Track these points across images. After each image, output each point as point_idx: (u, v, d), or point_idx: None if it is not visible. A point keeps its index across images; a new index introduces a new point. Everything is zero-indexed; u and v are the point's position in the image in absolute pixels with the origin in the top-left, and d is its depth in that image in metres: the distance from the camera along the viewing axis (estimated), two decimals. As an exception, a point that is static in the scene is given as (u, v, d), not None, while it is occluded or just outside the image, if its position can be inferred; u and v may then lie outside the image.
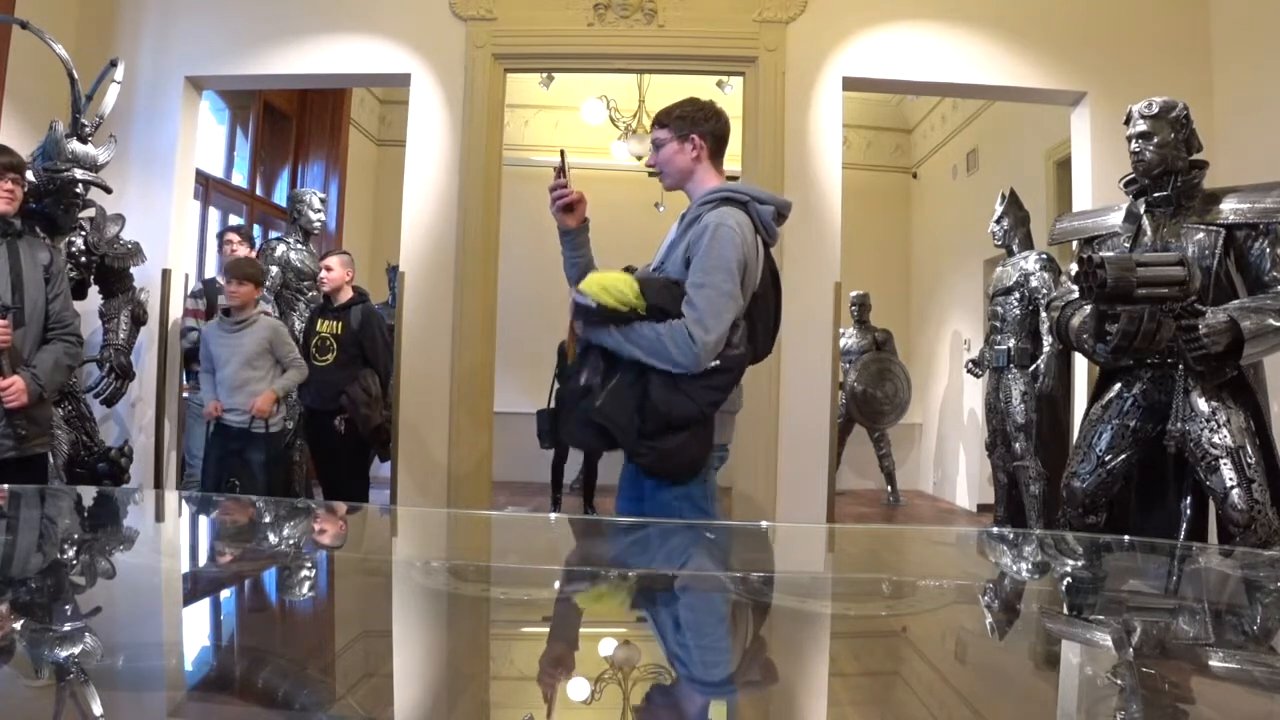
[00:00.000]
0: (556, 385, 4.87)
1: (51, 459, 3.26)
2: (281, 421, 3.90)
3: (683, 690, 0.71)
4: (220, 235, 4.63)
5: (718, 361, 1.96)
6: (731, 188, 2.16)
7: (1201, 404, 2.57)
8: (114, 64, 3.46)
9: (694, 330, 1.92)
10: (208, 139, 5.56)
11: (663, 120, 2.19)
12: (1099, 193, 3.94)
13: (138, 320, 3.87)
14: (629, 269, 2.12)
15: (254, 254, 4.54)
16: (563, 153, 2.23)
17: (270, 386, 3.75)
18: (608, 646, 0.78)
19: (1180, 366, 2.60)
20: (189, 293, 4.35)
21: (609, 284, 1.98)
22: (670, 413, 1.94)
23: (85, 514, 1.34)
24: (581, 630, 0.82)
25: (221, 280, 4.35)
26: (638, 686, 0.69)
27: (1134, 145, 2.70)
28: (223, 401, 3.74)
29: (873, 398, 6.95)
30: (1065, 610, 0.95)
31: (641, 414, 1.96)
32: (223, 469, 3.76)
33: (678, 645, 0.81)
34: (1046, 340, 4.37)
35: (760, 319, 2.14)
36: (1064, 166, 4.91)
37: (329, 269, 4.27)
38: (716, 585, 0.98)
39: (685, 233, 2.06)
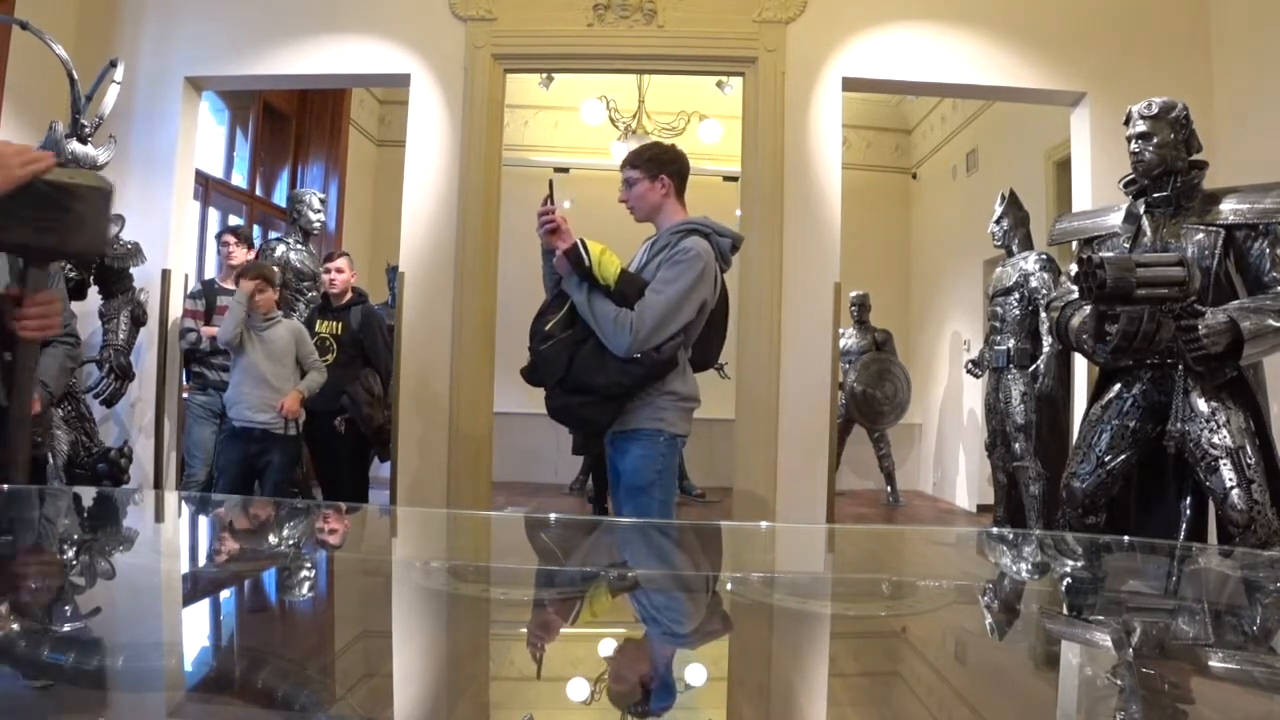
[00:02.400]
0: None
1: (51, 459, 3.26)
2: (299, 424, 3.90)
3: (680, 689, 0.71)
4: (219, 236, 4.63)
5: (639, 355, 2.35)
6: (697, 221, 2.53)
7: (1201, 404, 2.57)
8: (114, 64, 3.46)
9: (636, 323, 2.34)
10: (207, 139, 5.55)
11: (634, 162, 2.56)
12: (1099, 193, 3.94)
13: (137, 321, 3.87)
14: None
15: (253, 255, 4.54)
16: (550, 183, 2.60)
17: (295, 387, 3.77)
18: (607, 647, 0.78)
19: (1180, 367, 2.60)
20: (188, 293, 4.35)
21: (604, 259, 2.41)
22: (583, 376, 2.36)
23: (85, 514, 1.34)
24: (582, 630, 0.82)
25: (226, 283, 4.35)
26: (637, 686, 0.69)
27: (1134, 146, 2.70)
28: (246, 400, 3.73)
29: (873, 398, 6.95)
30: (1065, 610, 0.95)
31: (568, 367, 2.38)
32: (243, 471, 3.76)
33: (675, 644, 0.81)
34: (1046, 340, 4.37)
35: (715, 331, 2.64)
36: (1064, 167, 4.91)
37: (340, 270, 4.28)
38: (716, 585, 0.98)
39: (656, 255, 2.46)
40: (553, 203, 2.48)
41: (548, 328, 2.44)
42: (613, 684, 0.68)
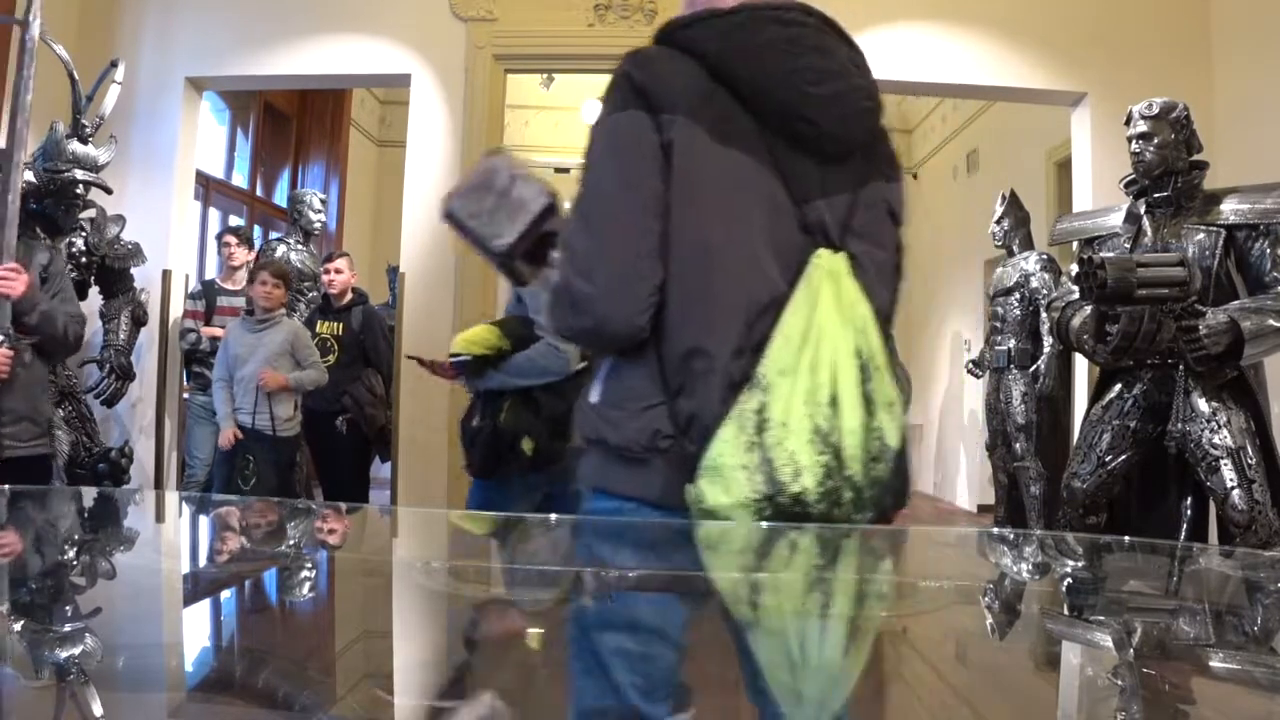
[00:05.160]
0: None
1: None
2: (294, 426, 3.87)
3: (679, 689, 0.71)
4: (220, 236, 4.64)
5: (584, 363, 2.24)
6: None
7: (1202, 405, 2.57)
8: (114, 64, 3.46)
9: (555, 342, 2.25)
10: (208, 139, 5.56)
11: None
12: (1099, 193, 3.94)
13: (138, 321, 3.87)
14: None
15: (254, 255, 4.55)
16: (416, 358, 2.66)
17: (285, 375, 3.71)
18: (606, 646, 0.78)
19: (1180, 367, 2.60)
20: (188, 293, 4.35)
21: (473, 337, 2.34)
22: (556, 413, 2.26)
23: (85, 515, 1.34)
24: (582, 630, 0.82)
25: (226, 284, 4.36)
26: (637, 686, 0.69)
27: (1134, 146, 2.70)
28: (239, 401, 3.71)
29: (873, 398, 6.95)
30: (1065, 611, 0.95)
31: (538, 421, 2.32)
32: (232, 468, 3.74)
33: (674, 645, 0.81)
34: (1047, 341, 4.37)
35: None
36: (1064, 167, 4.91)
37: (339, 271, 4.28)
38: (717, 585, 0.98)
39: None
40: (426, 363, 2.58)
41: (477, 424, 2.41)
42: (614, 684, 0.68)
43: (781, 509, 1.00)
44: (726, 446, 0.99)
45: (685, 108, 1.05)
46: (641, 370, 1.06)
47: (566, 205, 1.20)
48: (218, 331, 4.14)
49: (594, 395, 1.12)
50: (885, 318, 1.14)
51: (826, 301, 1.03)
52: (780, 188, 1.08)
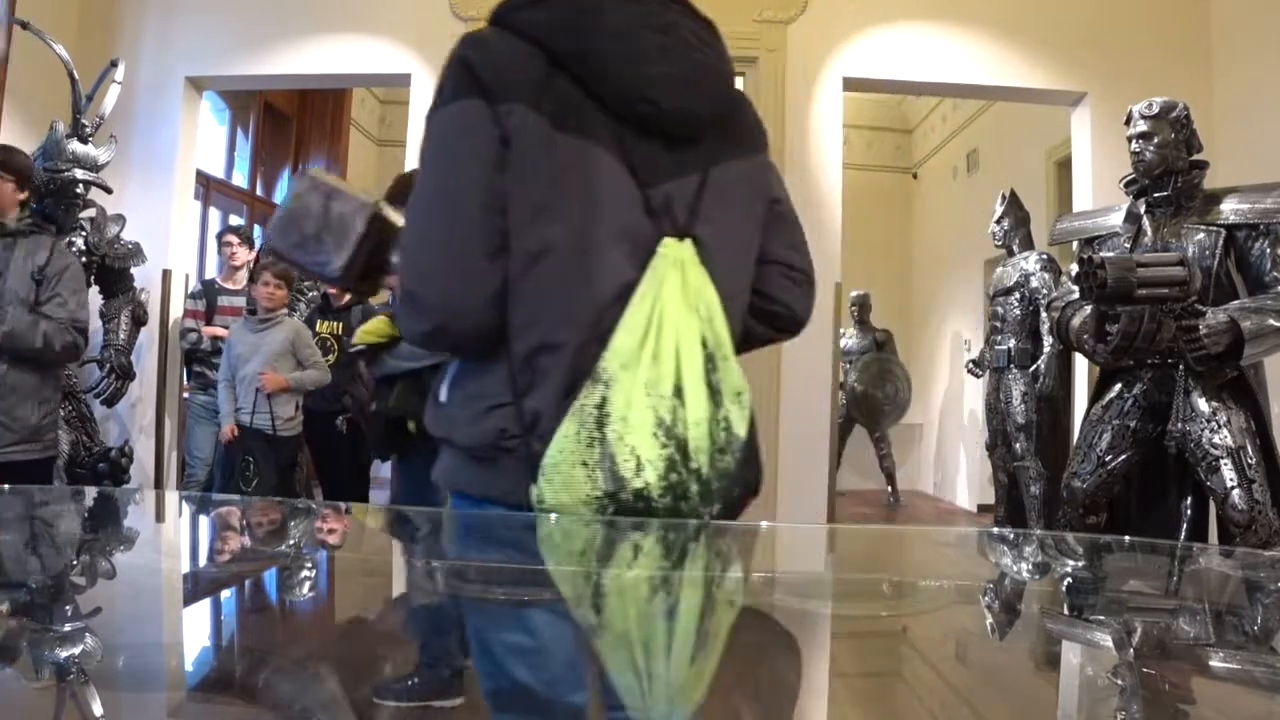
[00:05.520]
0: None
1: (52, 459, 3.26)
2: (295, 426, 3.86)
3: (679, 689, 0.71)
4: (220, 236, 4.63)
5: None
6: None
7: (1202, 404, 2.57)
8: (114, 64, 3.46)
9: None
10: (208, 139, 5.56)
11: None
12: (1099, 193, 3.94)
13: (138, 321, 3.87)
14: None
15: (254, 255, 4.55)
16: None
17: (286, 376, 3.72)
18: (606, 646, 0.78)
19: (1180, 367, 2.59)
20: (188, 293, 4.35)
21: (370, 328, 2.47)
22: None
23: (85, 514, 1.34)
24: (581, 631, 0.82)
25: (227, 283, 4.35)
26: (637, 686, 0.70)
27: (1134, 145, 2.70)
28: (241, 401, 3.72)
29: (873, 398, 6.95)
30: (1065, 611, 0.95)
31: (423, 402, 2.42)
32: (233, 468, 3.74)
33: (674, 645, 0.81)
34: (1047, 341, 4.37)
35: None
36: (1064, 166, 4.91)
37: None
38: (716, 585, 0.98)
39: None
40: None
41: (377, 407, 2.57)
42: (613, 684, 0.68)
43: (624, 506, 0.97)
44: (567, 443, 0.96)
45: (524, 96, 1.01)
46: (489, 368, 1.04)
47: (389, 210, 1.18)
48: (220, 331, 4.14)
49: (442, 395, 1.09)
50: (795, 271, 1.16)
51: (671, 290, 1.00)
52: (626, 173, 1.03)
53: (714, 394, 1.01)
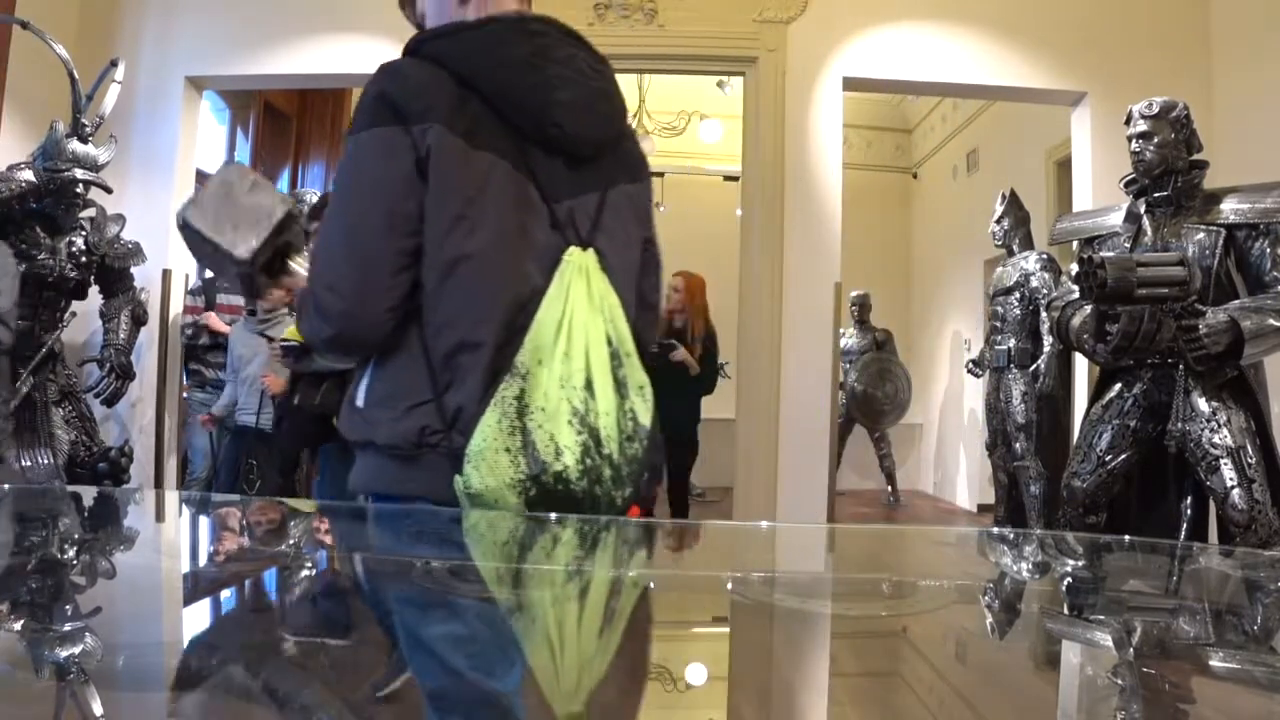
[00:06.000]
0: None
1: (52, 459, 3.26)
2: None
3: (680, 689, 0.71)
4: (221, 235, 4.63)
5: None
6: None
7: (1202, 404, 2.57)
8: (114, 64, 3.46)
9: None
10: (208, 139, 5.55)
11: None
12: (1099, 193, 3.94)
13: (138, 320, 3.87)
14: None
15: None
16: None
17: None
18: (605, 646, 0.78)
19: (1180, 366, 2.60)
20: (188, 289, 4.36)
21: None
22: None
23: (85, 514, 1.34)
24: (581, 630, 0.82)
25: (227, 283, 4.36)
26: (637, 687, 0.70)
27: (1134, 145, 2.70)
28: (243, 401, 3.73)
29: (873, 398, 6.95)
30: (1065, 610, 0.95)
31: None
32: (237, 469, 3.76)
33: (674, 644, 0.81)
34: (1047, 340, 4.37)
35: None
36: (1064, 166, 4.91)
37: None
38: (716, 585, 0.98)
39: None
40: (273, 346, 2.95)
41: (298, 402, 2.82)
42: (614, 684, 0.68)
43: (545, 488, 1.06)
44: (490, 432, 1.05)
45: (440, 116, 1.09)
46: (407, 370, 1.12)
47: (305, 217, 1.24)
48: (221, 327, 4.16)
49: (359, 398, 1.16)
50: (648, 305, 1.29)
51: (578, 294, 1.11)
52: (533, 189, 1.14)
53: (620, 387, 1.12)
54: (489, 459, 1.05)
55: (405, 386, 1.12)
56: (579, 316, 1.10)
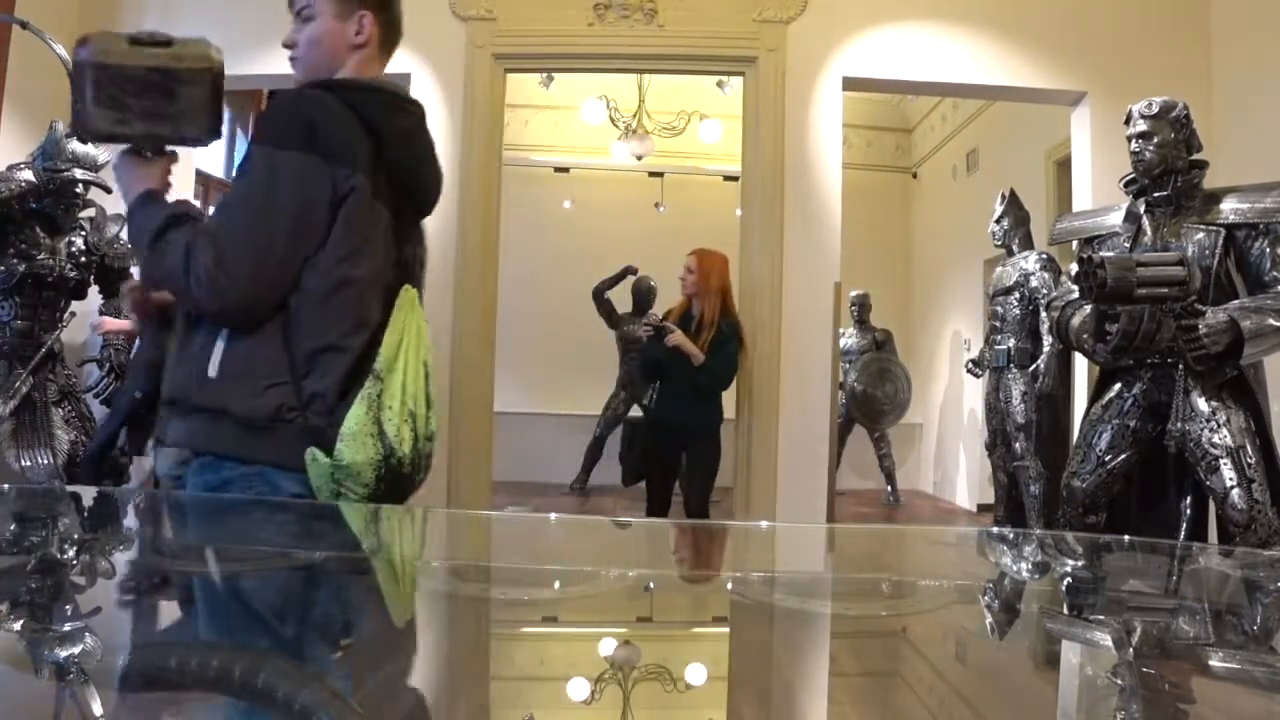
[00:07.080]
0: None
1: (51, 459, 3.26)
2: None
3: (680, 689, 0.71)
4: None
5: None
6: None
7: (1201, 404, 2.57)
8: (114, 64, 3.45)
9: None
10: (208, 139, 5.55)
11: None
12: (1099, 193, 3.94)
13: (138, 320, 3.87)
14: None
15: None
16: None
17: None
18: (607, 646, 0.78)
19: (1180, 366, 2.59)
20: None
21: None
22: None
23: (85, 515, 1.34)
24: (581, 629, 0.82)
25: None
26: (638, 686, 0.69)
27: (1134, 145, 2.70)
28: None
29: (873, 398, 6.95)
30: (1065, 610, 0.95)
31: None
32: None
33: (674, 644, 0.81)
34: (1047, 340, 4.37)
35: None
36: (1064, 166, 4.91)
37: None
38: (716, 585, 0.98)
39: None
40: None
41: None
42: (616, 685, 0.68)
43: (391, 468, 1.36)
44: (359, 420, 1.33)
45: (361, 167, 1.38)
46: (266, 354, 1.35)
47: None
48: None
49: (211, 371, 1.35)
50: None
51: (412, 323, 1.43)
52: (392, 234, 1.46)
53: (429, 399, 1.45)
54: (360, 439, 1.32)
55: (258, 368, 1.34)
56: (411, 339, 1.41)
